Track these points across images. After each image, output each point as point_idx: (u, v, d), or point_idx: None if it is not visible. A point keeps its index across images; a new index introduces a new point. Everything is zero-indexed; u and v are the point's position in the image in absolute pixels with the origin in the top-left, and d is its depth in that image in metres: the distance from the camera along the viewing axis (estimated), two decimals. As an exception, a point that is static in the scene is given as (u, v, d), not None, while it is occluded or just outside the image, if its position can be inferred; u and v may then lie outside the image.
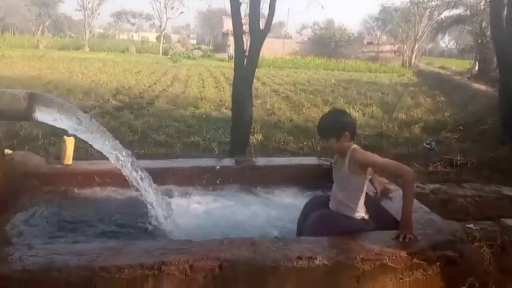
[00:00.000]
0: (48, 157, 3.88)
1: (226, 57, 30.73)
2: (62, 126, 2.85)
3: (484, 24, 18.13)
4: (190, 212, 3.14)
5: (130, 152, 3.15)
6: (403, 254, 2.28)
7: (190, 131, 8.18)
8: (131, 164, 3.01)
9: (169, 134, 7.90)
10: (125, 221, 3.00)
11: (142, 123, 8.49)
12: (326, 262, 2.20)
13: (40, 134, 6.94)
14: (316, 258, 2.20)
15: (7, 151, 3.54)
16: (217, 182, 3.56)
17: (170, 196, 3.34)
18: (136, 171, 3.04)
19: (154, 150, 6.83)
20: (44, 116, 2.80)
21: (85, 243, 2.57)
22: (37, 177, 3.54)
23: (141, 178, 3.03)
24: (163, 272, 2.10)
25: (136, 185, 2.93)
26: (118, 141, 3.10)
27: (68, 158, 3.70)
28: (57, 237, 2.78)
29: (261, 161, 4.03)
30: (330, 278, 2.22)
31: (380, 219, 2.75)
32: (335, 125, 2.58)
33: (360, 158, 2.54)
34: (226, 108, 10.36)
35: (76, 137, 3.22)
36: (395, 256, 2.27)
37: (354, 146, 2.60)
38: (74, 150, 3.76)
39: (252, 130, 7.60)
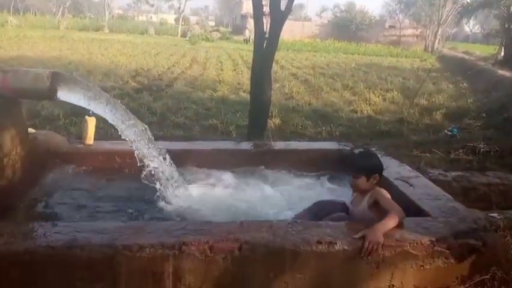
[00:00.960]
0: (69, 137, 3.92)
1: (243, 40, 30.49)
2: (87, 107, 2.88)
3: (512, 8, 17.53)
4: (208, 194, 3.15)
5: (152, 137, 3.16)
6: (425, 241, 2.25)
7: (209, 114, 8.18)
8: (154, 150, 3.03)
9: (188, 116, 7.92)
10: (145, 202, 3.02)
11: (161, 105, 8.52)
12: (346, 247, 2.19)
13: (61, 114, 7.03)
14: (336, 243, 2.19)
15: (30, 130, 3.59)
16: (236, 165, 3.55)
17: (189, 178, 3.35)
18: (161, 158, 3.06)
19: (173, 132, 6.87)
20: (67, 95, 2.82)
21: (107, 222, 2.61)
22: (59, 156, 3.60)
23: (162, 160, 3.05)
24: (184, 252, 2.12)
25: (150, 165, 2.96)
26: (141, 123, 3.12)
27: (90, 138, 3.74)
28: (80, 215, 2.82)
29: (280, 145, 4.01)
30: (349, 263, 2.21)
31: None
32: (370, 166, 2.68)
33: (381, 198, 2.57)
34: (244, 92, 10.32)
35: (97, 118, 3.23)
36: (417, 243, 2.24)
37: (377, 187, 2.67)
38: (95, 131, 3.80)
39: (270, 114, 7.59)
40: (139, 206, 2.98)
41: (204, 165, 3.54)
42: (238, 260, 2.15)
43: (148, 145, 3.05)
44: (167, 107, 8.49)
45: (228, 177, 3.40)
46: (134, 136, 2.98)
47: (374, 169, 2.66)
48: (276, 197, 3.18)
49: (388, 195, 2.59)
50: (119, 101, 3.05)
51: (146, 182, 3.05)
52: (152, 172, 3.06)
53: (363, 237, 2.22)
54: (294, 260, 2.17)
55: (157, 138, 5.89)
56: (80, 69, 12.41)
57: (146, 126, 3.16)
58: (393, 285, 2.25)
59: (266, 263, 2.17)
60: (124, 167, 3.63)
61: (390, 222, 2.33)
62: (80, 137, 3.80)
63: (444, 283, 2.28)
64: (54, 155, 3.59)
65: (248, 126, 6.37)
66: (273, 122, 7.60)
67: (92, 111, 2.95)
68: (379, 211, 2.50)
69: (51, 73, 2.72)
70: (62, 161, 3.60)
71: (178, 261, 2.12)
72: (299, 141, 6.34)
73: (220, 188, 3.25)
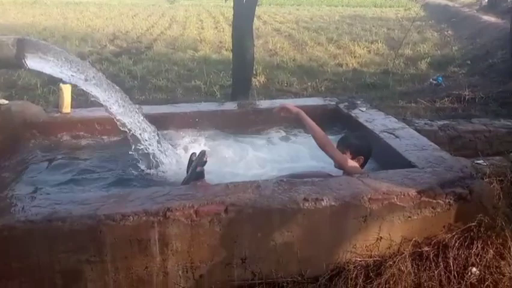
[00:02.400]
0: (46, 106, 3.78)
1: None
2: (56, 74, 2.73)
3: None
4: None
5: (128, 98, 3.04)
6: (412, 192, 2.24)
7: (191, 75, 8.01)
8: (132, 111, 2.91)
9: (170, 78, 7.75)
10: (127, 168, 2.95)
11: (141, 69, 8.31)
12: (333, 203, 2.16)
13: (39, 83, 6.80)
14: (323, 200, 2.16)
15: (3, 101, 3.45)
16: (220, 127, 3.47)
17: (172, 142, 3.27)
18: (138, 120, 2.95)
19: (155, 95, 6.73)
20: (36, 63, 2.67)
21: (87, 192, 2.54)
22: (36, 126, 3.48)
23: (142, 125, 2.95)
24: (168, 218, 2.08)
25: (137, 134, 2.86)
26: (117, 87, 2.99)
27: (67, 106, 3.61)
28: (60, 186, 2.75)
29: (264, 103, 3.91)
30: (337, 219, 2.20)
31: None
32: (359, 145, 2.64)
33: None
34: (226, 50, 10.08)
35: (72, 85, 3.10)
36: (403, 195, 2.22)
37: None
38: (72, 98, 3.67)
39: (254, 72, 7.45)
40: (123, 174, 2.92)
41: (186, 129, 3.45)
42: (225, 222, 2.11)
43: (127, 110, 2.93)
44: (148, 70, 8.27)
45: (212, 140, 3.33)
46: (114, 103, 2.85)
47: (362, 150, 2.63)
48: (262, 159, 3.13)
49: (357, 165, 2.58)
50: (91, 66, 2.90)
51: (132, 152, 2.97)
52: (135, 138, 2.97)
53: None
54: (282, 218, 2.15)
55: (138, 102, 5.78)
56: (56, 35, 11.96)
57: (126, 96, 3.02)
58: (381, 238, 2.25)
59: (253, 224, 2.15)
60: (105, 134, 3.54)
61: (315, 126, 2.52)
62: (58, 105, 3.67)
63: (431, 232, 2.29)
64: (31, 126, 3.47)
65: (232, 86, 6.25)
66: (258, 80, 7.47)
67: (64, 79, 2.80)
68: None
69: (16, 40, 2.55)
70: (39, 131, 3.49)
71: (164, 227, 2.08)
72: (284, 99, 6.27)
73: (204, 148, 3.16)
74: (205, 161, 2.48)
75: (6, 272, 2.04)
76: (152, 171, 2.91)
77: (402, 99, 5.84)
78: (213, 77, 7.72)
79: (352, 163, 2.55)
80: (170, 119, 3.53)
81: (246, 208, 2.12)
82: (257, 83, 7.36)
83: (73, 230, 2.02)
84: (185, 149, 3.17)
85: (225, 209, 2.11)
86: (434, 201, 2.24)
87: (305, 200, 2.16)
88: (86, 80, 2.82)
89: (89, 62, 2.96)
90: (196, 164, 2.46)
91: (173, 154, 3.05)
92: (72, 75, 2.79)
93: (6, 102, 3.47)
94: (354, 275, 2.20)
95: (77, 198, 2.22)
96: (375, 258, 2.25)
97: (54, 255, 2.05)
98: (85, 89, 2.78)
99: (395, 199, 2.21)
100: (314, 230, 2.20)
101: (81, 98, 4.68)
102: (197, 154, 2.50)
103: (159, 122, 3.30)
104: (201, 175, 2.48)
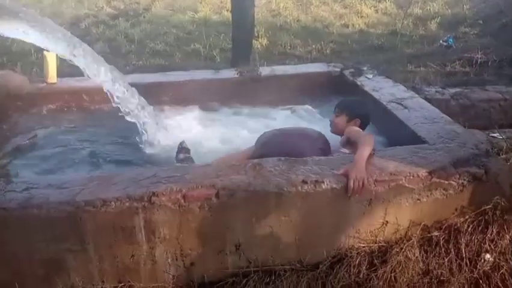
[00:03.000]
0: (31, 76, 3.55)
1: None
2: (31, 41, 2.50)
3: None
4: (184, 133, 2.87)
5: (112, 67, 2.81)
6: (422, 173, 2.03)
7: (190, 38, 7.67)
8: (113, 80, 2.68)
9: (168, 42, 7.43)
10: (115, 145, 2.77)
11: (139, 32, 7.96)
12: (334, 186, 1.97)
13: (33, 49, 6.52)
14: (323, 182, 1.97)
15: (-16, 72, 3.23)
16: (215, 97, 3.24)
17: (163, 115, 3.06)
18: (122, 88, 2.72)
19: (152, 60, 6.45)
20: (9, 29, 2.43)
21: (68, 174, 2.36)
22: (21, 98, 3.28)
23: (127, 94, 2.73)
24: (154, 204, 1.90)
25: (120, 104, 2.64)
26: (96, 54, 2.75)
27: (52, 76, 3.40)
28: (42, 166, 2.57)
29: (264, 70, 3.64)
30: (339, 202, 2.01)
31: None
32: (355, 108, 2.55)
33: (350, 131, 2.41)
34: (227, 11, 9.60)
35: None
36: (412, 176, 2.02)
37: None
38: (58, 67, 3.43)
39: (255, 34, 7.11)
40: (110, 151, 2.72)
41: (178, 100, 3.23)
42: (216, 207, 1.94)
43: (108, 77, 2.70)
44: (145, 33, 7.92)
45: (205, 112, 3.10)
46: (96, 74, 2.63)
47: (358, 113, 2.53)
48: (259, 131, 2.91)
49: (357, 128, 2.44)
50: (67, 31, 2.65)
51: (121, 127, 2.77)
52: (123, 110, 2.77)
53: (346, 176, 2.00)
54: (278, 202, 1.96)
55: (134, 68, 5.51)
56: (51, -4, 11.49)
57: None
58: (387, 222, 2.07)
59: (247, 208, 1.96)
60: (94, 105, 3.33)
61: (365, 149, 2.11)
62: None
63: (442, 216, 2.10)
64: (15, 98, 3.27)
65: (232, 49, 5.95)
66: (260, 42, 7.15)
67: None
68: (353, 148, 2.27)
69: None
70: (24, 103, 3.28)
71: (149, 213, 1.91)
72: (286, 64, 5.99)
73: (198, 125, 2.96)
74: (186, 148, 2.34)
75: (-18, 261, 1.90)
76: (141, 147, 2.71)
77: (411, 62, 5.52)
78: (213, 40, 7.39)
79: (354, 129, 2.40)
80: (161, 89, 3.31)
81: (238, 192, 1.93)
82: (259, 46, 7.05)
83: (50, 218, 1.86)
84: (177, 123, 2.96)
85: (215, 193, 1.93)
86: (446, 182, 2.04)
87: (304, 182, 1.96)
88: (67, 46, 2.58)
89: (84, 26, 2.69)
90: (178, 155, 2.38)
91: (162, 129, 2.84)
92: (48, 43, 2.56)
93: (-13, 72, 3.25)
94: (357, 262, 2.04)
95: (56, 181, 2.03)
96: (380, 244, 2.08)
97: (33, 244, 1.89)
98: (62, 57, 2.55)
99: (403, 180, 2.01)
100: (314, 214, 2.02)
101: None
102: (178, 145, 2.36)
103: (150, 93, 3.09)
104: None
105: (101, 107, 3.21)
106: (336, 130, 2.53)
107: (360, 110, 2.56)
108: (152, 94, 3.10)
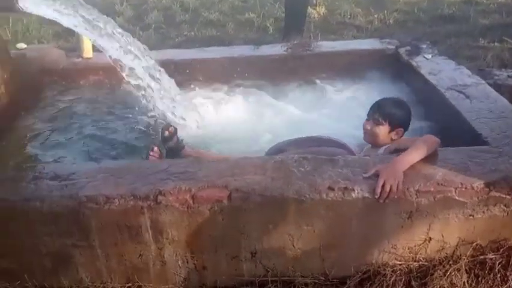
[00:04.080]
0: (68, 50, 3.48)
1: None
2: (55, 18, 2.37)
3: None
4: (215, 115, 2.65)
5: (145, 47, 2.63)
6: (477, 184, 1.66)
7: (245, 7, 7.37)
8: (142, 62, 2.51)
9: (222, 11, 7.19)
10: (141, 127, 2.62)
11: (194, 0, 7.78)
12: (366, 195, 1.67)
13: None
14: (353, 190, 1.67)
15: (21, 45, 3.20)
16: (251, 75, 2.97)
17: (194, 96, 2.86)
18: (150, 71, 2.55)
19: (204, 31, 6.27)
20: (33, 5, 2.31)
21: (77, 164, 2.25)
22: (56, 73, 3.24)
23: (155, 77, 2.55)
24: (160, 204, 1.72)
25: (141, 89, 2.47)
26: (126, 32, 2.58)
27: (88, 51, 3.31)
28: (64, 147, 2.49)
29: (308, 47, 3.29)
30: (372, 213, 1.71)
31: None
32: (400, 116, 2.10)
33: (401, 141, 2.05)
34: (287, -23, 9.14)
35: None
36: (465, 188, 1.66)
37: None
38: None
39: (313, 2, 6.66)
40: (133, 135, 2.58)
41: (213, 79, 3.00)
42: (228, 210, 1.72)
43: (137, 59, 2.53)
44: (201, 2, 7.72)
45: (241, 94, 2.85)
46: (116, 50, 2.46)
47: (403, 121, 2.10)
48: (301, 120, 2.60)
49: (412, 138, 2.03)
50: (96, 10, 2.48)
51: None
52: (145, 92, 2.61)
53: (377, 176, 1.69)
54: (299, 210, 1.71)
55: (184, 39, 5.29)
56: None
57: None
58: (430, 238, 1.75)
59: (263, 214, 1.73)
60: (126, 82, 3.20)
61: (414, 153, 1.77)
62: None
63: (500, 236, 1.74)
64: (50, 73, 3.22)
65: (284, 19, 5.59)
66: (317, 11, 6.69)
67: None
68: None
69: (4, -21, 2.19)
70: (59, 78, 3.24)
71: (155, 213, 1.74)
72: (343, 35, 5.56)
73: (232, 108, 2.72)
74: (169, 136, 2.17)
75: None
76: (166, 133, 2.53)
77: (483, 36, 4.84)
78: (268, 8, 7.05)
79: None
80: (198, 66, 3.09)
81: (253, 195, 1.69)
82: (316, 15, 6.60)
83: (53, 212, 1.75)
84: (206, 104, 2.74)
85: (228, 195, 1.71)
86: (508, 197, 1.66)
87: (330, 188, 1.68)
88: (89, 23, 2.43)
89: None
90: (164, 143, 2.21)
91: (190, 111, 2.63)
92: (77, 22, 2.42)
93: (24, 46, 3.22)
94: (391, 281, 1.75)
95: (65, 171, 1.91)
96: (420, 263, 1.77)
97: (38, 237, 1.81)
98: (89, 39, 2.40)
99: (453, 193, 1.66)
100: (341, 224, 1.74)
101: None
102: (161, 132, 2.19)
103: (185, 70, 2.90)
104: (176, 150, 2.19)
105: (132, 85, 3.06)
106: (374, 141, 2.11)
107: (405, 117, 2.11)
108: (186, 72, 2.91)
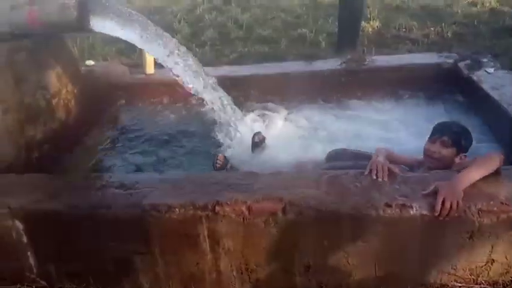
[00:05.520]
0: (131, 66, 3.69)
1: None
2: (122, 37, 2.52)
3: None
4: (269, 130, 2.70)
5: (199, 63, 2.74)
6: (548, 204, 1.59)
7: (298, 23, 7.42)
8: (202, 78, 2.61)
9: (275, 27, 7.28)
10: (197, 139, 2.72)
11: (248, 17, 7.95)
12: (424, 212, 1.63)
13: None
14: (411, 207, 1.64)
15: (89, 62, 3.43)
16: (304, 91, 3.00)
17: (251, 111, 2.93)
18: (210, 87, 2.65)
19: (257, 47, 6.37)
20: (101, 25, 2.49)
21: (140, 174, 2.36)
22: (121, 88, 3.43)
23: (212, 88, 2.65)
24: (218, 214, 1.78)
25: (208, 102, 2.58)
26: (186, 50, 2.70)
27: (150, 67, 3.48)
28: (127, 159, 2.63)
29: (362, 61, 3.27)
30: (431, 231, 1.67)
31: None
32: (468, 140, 2.07)
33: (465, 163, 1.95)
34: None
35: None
36: (534, 207, 1.59)
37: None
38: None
39: (366, 16, 6.60)
40: (193, 147, 2.68)
41: (267, 94, 3.06)
42: (282, 224, 1.75)
43: (197, 76, 2.64)
44: (254, 18, 7.88)
45: (290, 108, 2.89)
46: (181, 68, 2.58)
47: (467, 146, 2.05)
48: (355, 135, 2.59)
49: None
50: (160, 28, 2.62)
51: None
52: (208, 107, 2.70)
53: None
54: (355, 226, 1.70)
55: (238, 56, 5.44)
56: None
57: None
58: (493, 260, 1.68)
59: (318, 229, 1.74)
60: (187, 96, 3.33)
61: (476, 170, 1.71)
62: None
63: None
64: (115, 88, 3.42)
65: (338, 33, 5.58)
66: (370, 25, 6.61)
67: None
68: None
69: (78, 1, 2.38)
70: (124, 93, 3.43)
71: (213, 223, 1.80)
72: (398, 49, 5.45)
73: (280, 122, 2.76)
74: (258, 142, 2.19)
75: (61, 254, 1.99)
76: (222, 143, 2.62)
77: (552, 50, 4.60)
78: (321, 23, 7.07)
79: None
80: (252, 82, 3.17)
81: (307, 210, 1.71)
82: (370, 29, 6.53)
83: (117, 219, 1.86)
84: (263, 119, 2.80)
85: (282, 208, 1.73)
86: None
87: (387, 205, 1.66)
88: (154, 42, 2.57)
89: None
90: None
91: (248, 126, 2.70)
92: (141, 38, 2.57)
93: (92, 63, 3.45)
94: (450, 303, 1.70)
95: (129, 180, 2.03)
96: (482, 286, 1.70)
97: (103, 243, 1.92)
98: (151, 55, 2.54)
99: (519, 213, 1.59)
100: (399, 242, 1.72)
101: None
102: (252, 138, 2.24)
103: (239, 86, 2.98)
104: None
105: (191, 100, 3.19)
106: (437, 165, 2.02)
107: (470, 141, 2.06)
108: (240, 88, 2.98)
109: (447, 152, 2.01)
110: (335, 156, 2.31)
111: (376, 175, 1.81)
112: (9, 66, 2.44)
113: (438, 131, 2.05)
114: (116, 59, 5.55)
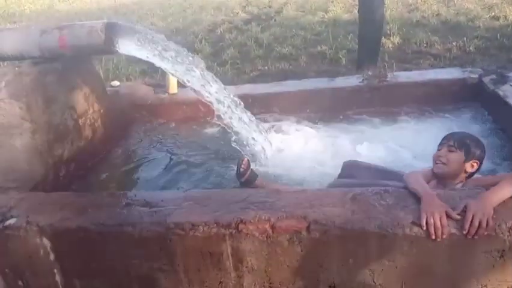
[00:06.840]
0: (155, 86, 3.76)
1: None
2: (146, 59, 2.59)
3: None
4: (292, 147, 2.70)
5: (221, 84, 2.78)
6: None
7: (318, 40, 7.47)
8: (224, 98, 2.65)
9: (295, 45, 7.35)
10: (221, 157, 2.74)
11: (268, 36, 8.05)
12: (453, 231, 1.60)
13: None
14: (438, 225, 1.61)
15: (115, 83, 3.52)
16: (326, 108, 3.01)
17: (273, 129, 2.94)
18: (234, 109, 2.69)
19: (277, 65, 6.43)
20: (127, 47, 2.56)
21: (165, 191, 2.39)
22: (144, 108, 3.50)
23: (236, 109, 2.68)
24: (241, 232, 1.78)
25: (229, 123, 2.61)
26: (207, 72, 2.75)
27: (173, 87, 3.54)
28: (152, 178, 2.66)
29: (383, 77, 3.26)
30: (459, 250, 1.63)
31: None
32: (475, 148, 1.99)
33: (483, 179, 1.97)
34: (359, 9, 9.17)
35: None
36: None
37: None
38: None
39: (387, 32, 6.60)
40: (219, 166, 2.69)
41: (288, 112, 3.07)
42: (307, 242, 1.73)
43: (219, 94, 2.68)
44: (274, 37, 7.97)
45: (312, 125, 2.89)
46: (203, 87, 2.63)
47: (478, 154, 1.98)
48: (376, 153, 2.58)
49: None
50: (184, 49, 2.69)
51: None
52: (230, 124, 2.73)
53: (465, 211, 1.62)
54: (381, 244, 1.68)
55: (259, 74, 5.50)
56: (194, 5, 12.38)
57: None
58: (526, 280, 1.62)
59: (343, 248, 1.72)
60: (209, 116, 3.37)
61: (506, 188, 1.66)
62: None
63: None
64: (139, 108, 3.49)
65: (358, 50, 5.59)
66: (391, 41, 6.61)
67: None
68: None
69: (105, 25, 2.46)
70: (148, 113, 3.49)
71: (236, 241, 1.80)
72: (420, 64, 5.43)
73: (303, 139, 2.76)
74: (243, 171, 2.33)
75: (86, 271, 2.01)
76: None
77: None
78: (341, 40, 7.09)
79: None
80: (273, 100, 3.19)
81: (332, 229, 1.69)
82: (390, 45, 6.52)
83: (142, 237, 1.87)
84: (286, 135, 2.81)
85: (306, 226, 1.72)
86: None
87: (414, 223, 1.63)
88: (177, 64, 2.63)
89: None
90: (239, 178, 2.37)
91: (268, 143, 2.71)
92: (163, 59, 2.63)
93: (117, 84, 3.53)
94: (481, 326, 1.64)
95: (154, 198, 2.05)
96: (514, 307, 1.64)
97: (128, 260, 1.94)
98: (174, 74, 2.60)
99: (553, 231, 1.54)
100: (426, 261, 1.68)
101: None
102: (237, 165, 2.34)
103: (260, 104, 3.00)
104: (249, 182, 2.33)
105: (214, 118, 3.23)
106: (445, 171, 1.98)
107: (481, 150, 1.99)
108: (262, 105, 3.01)
109: (453, 155, 1.96)
110: (350, 170, 2.28)
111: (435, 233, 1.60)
112: (39, 88, 2.53)
113: (445, 139, 2.03)
114: (139, 79, 5.69)
